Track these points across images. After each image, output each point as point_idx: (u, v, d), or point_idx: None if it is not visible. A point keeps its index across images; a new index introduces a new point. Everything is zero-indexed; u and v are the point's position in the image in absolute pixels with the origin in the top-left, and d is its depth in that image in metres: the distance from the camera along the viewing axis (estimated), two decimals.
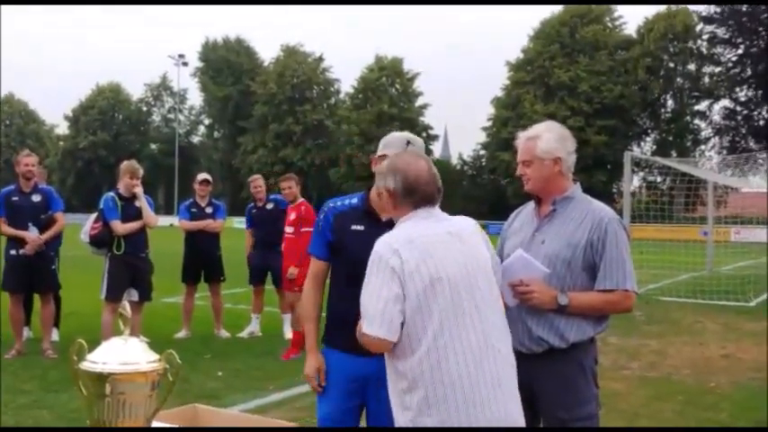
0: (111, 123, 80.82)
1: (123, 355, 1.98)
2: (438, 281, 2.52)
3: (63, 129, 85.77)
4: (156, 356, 2.00)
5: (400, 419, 2.57)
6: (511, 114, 58.81)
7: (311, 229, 8.41)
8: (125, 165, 8.04)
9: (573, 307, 3.05)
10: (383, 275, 2.53)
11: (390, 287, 2.50)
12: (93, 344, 1.92)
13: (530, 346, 3.12)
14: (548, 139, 3.18)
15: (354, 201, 3.41)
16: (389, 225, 3.28)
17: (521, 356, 3.10)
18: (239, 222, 9.56)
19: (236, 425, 2.50)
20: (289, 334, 8.67)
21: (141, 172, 8.04)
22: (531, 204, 3.35)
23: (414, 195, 2.65)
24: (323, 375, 3.30)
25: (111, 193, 7.90)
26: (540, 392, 3.15)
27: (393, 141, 3.34)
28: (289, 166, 65.14)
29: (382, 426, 3.13)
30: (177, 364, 2.00)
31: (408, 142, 3.31)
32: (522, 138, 3.29)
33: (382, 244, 2.61)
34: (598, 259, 3.08)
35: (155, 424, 2.25)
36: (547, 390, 3.13)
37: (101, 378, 1.91)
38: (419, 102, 68.38)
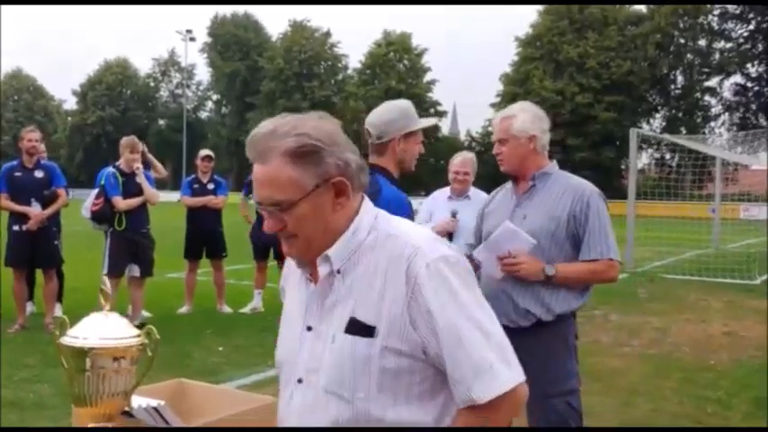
0: (118, 99, 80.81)
1: (103, 330, 1.99)
2: None
3: (71, 104, 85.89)
4: (137, 331, 2.01)
5: None
6: (519, 91, 58.46)
7: None
8: (125, 140, 8.04)
9: (559, 277, 3.11)
10: None
11: None
12: None
13: (516, 320, 3.17)
14: (523, 118, 3.27)
15: (398, 189, 3.13)
16: None
17: (506, 331, 3.15)
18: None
19: (222, 400, 2.51)
20: None
21: (141, 147, 8.05)
22: (507, 185, 3.45)
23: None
24: None
25: (113, 169, 7.90)
26: (524, 365, 3.18)
27: (412, 111, 3.21)
28: None
29: None
30: (156, 339, 2.01)
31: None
32: (497, 118, 3.39)
33: None
34: (581, 231, 3.14)
35: (139, 398, 2.27)
36: (531, 363, 3.14)
37: (81, 353, 1.93)
38: (427, 78, 68.11)
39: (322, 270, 1.69)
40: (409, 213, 2.98)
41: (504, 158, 3.30)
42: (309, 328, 1.72)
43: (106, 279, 2.09)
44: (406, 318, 1.59)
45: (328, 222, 1.66)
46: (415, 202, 6.04)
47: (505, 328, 3.20)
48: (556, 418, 3.14)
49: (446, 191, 5.89)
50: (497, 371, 1.59)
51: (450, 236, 5.51)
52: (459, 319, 1.59)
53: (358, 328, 1.61)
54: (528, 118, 3.28)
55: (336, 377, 1.63)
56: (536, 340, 3.15)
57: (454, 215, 5.47)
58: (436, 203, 5.87)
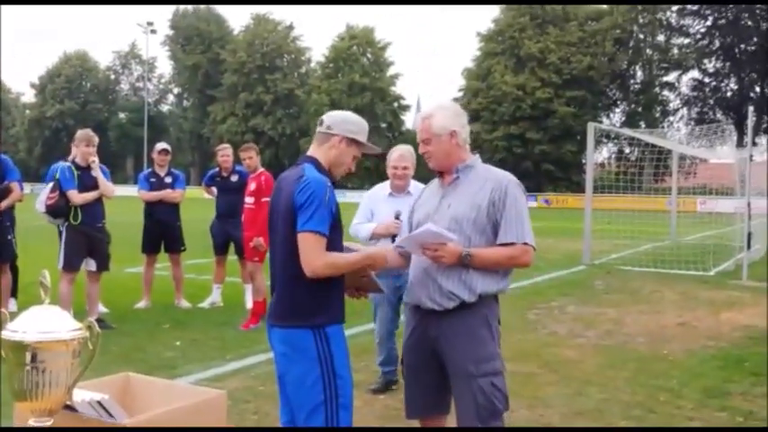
0: (78, 91, 79.71)
1: (43, 323, 1.98)
2: None
3: (29, 97, 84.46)
4: (78, 325, 2.00)
5: None
6: (481, 85, 58.88)
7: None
8: (80, 133, 7.93)
9: (477, 260, 3.31)
10: None
11: None
12: None
13: (441, 302, 3.36)
14: (442, 115, 3.49)
15: (323, 175, 3.14)
16: None
17: (432, 313, 3.41)
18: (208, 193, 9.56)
19: (169, 393, 2.51)
20: (249, 303, 8.67)
21: (96, 140, 7.94)
22: (435, 180, 3.67)
23: None
24: None
25: (68, 163, 7.79)
26: (449, 346, 3.39)
27: (366, 130, 3.34)
28: (259, 135, 64.79)
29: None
30: (97, 332, 2.00)
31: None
32: (418, 118, 3.59)
33: None
34: (499, 217, 3.36)
35: (84, 392, 2.26)
36: (455, 343, 3.38)
37: (20, 347, 1.92)
38: (390, 71, 68.17)
39: None
40: (330, 196, 3.03)
41: (430, 156, 3.51)
42: None
43: (46, 272, 2.07)
44: None
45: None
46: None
47: (432, 311, 3.42)
48: (482, 398, 3.31)
49: (386, 186, 5.74)
50: None
51: (393, 238, 5.42)
52: None
53: None
54: (447, 115, 3.49)
55: None
56: (460, 321, 3.35)
57: (398, 217, 5.32)
58: (376, 201, 5.74)
